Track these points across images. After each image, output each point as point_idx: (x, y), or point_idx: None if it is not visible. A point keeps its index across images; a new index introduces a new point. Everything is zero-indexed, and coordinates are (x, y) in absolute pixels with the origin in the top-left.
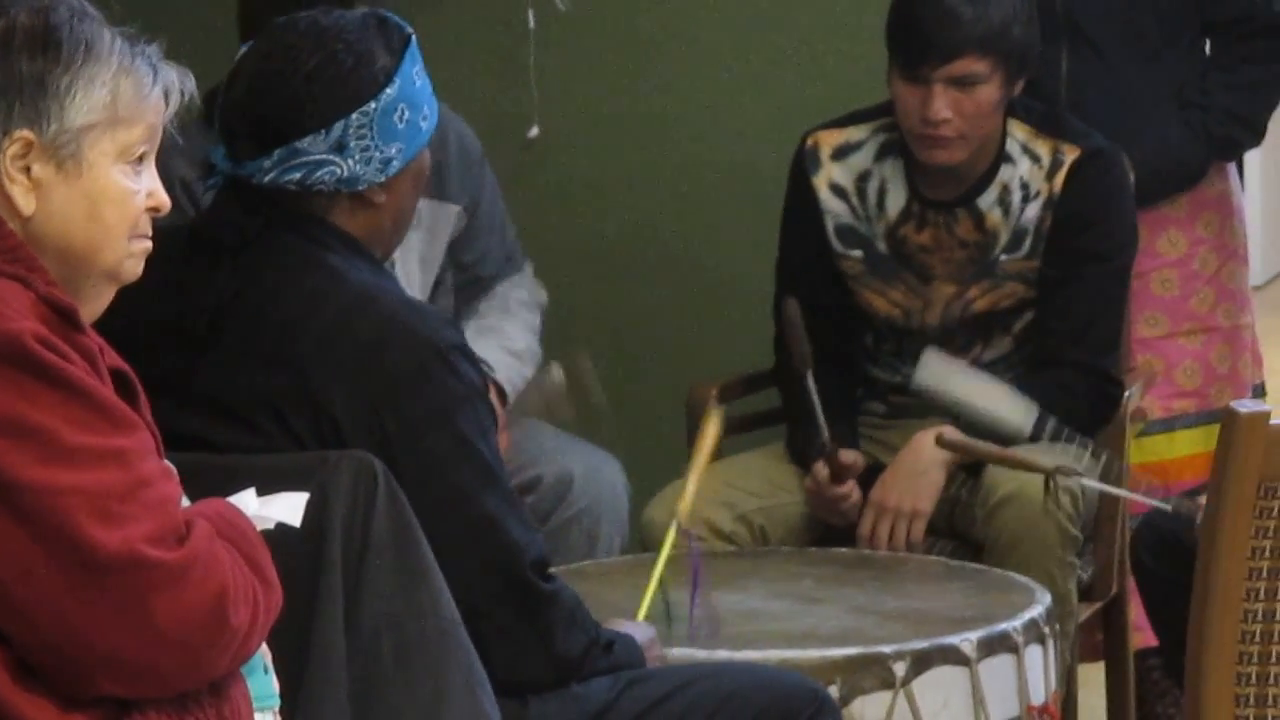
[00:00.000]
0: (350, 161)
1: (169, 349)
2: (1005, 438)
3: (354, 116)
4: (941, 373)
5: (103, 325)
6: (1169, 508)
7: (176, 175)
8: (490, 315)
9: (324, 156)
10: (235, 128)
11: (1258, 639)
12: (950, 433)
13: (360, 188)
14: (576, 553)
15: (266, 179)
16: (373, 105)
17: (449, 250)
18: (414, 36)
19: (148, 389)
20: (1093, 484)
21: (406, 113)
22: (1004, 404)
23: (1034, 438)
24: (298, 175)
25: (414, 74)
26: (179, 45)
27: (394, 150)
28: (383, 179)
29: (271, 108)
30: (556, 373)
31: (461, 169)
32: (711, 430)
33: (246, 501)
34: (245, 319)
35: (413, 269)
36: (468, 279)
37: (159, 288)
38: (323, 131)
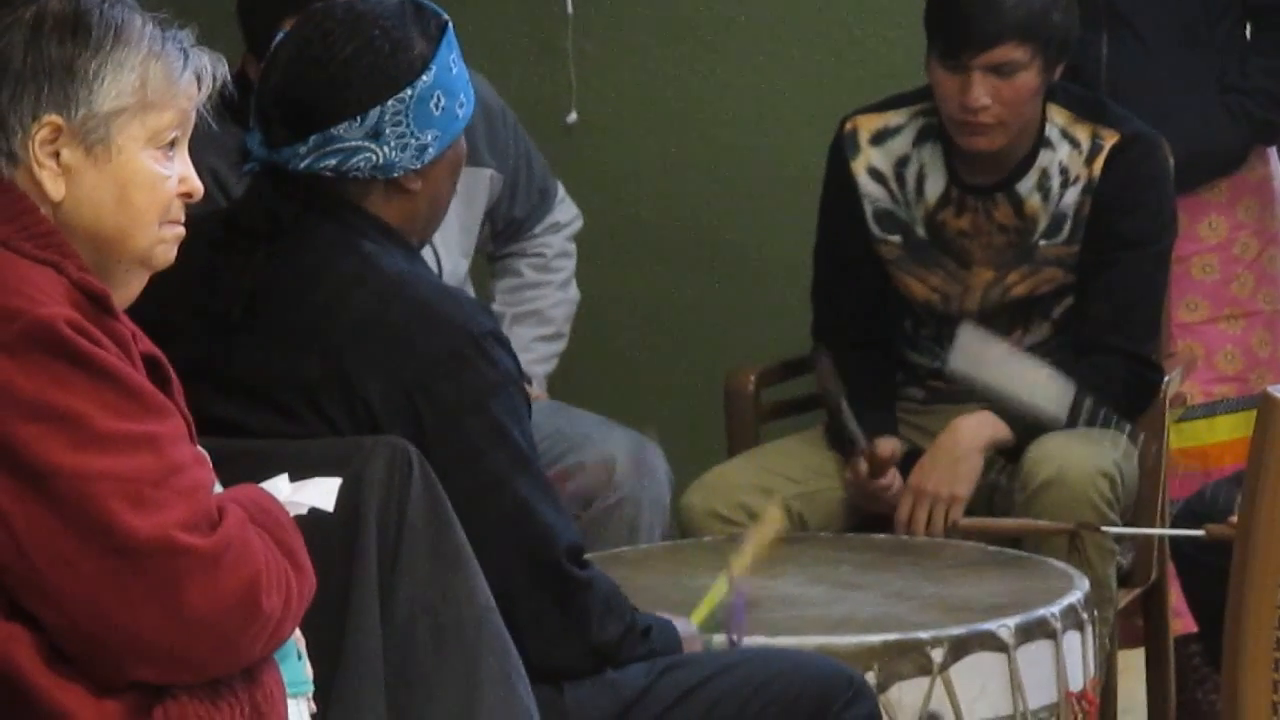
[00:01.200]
0: (386, 148)
1: (204, 334)
2: (1041, 421)
3: (390, 103)
4: (976, 356)
5: (137, 310)
6: (1204, 534)
7: (205, 164)
8: (527, 273)
9: (360, 143)
10: (271, 113)
11: None
12: (965, 521)
13: (396, 174)
14: (617, 539)
15: (302, 165)
16: (409, 92)
17: (490, 214)
18: (450, 23)
19: (182, 374)
20: (1119, 531)
21: (443, 100)
22: (1039, 388)
23: (1070, 421)
24: (333, 161)
25: (450, 61)
26: (211, 32)
27: (430, 137)
28: (418, 166)
29: (307, 93)
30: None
31: (488, 132)
32: (771, 524)
33: (279, 487)
34: (280, 305)
35: (451, 236)
36: (503, 224)
37: (194, 273)
38: (359, 118)
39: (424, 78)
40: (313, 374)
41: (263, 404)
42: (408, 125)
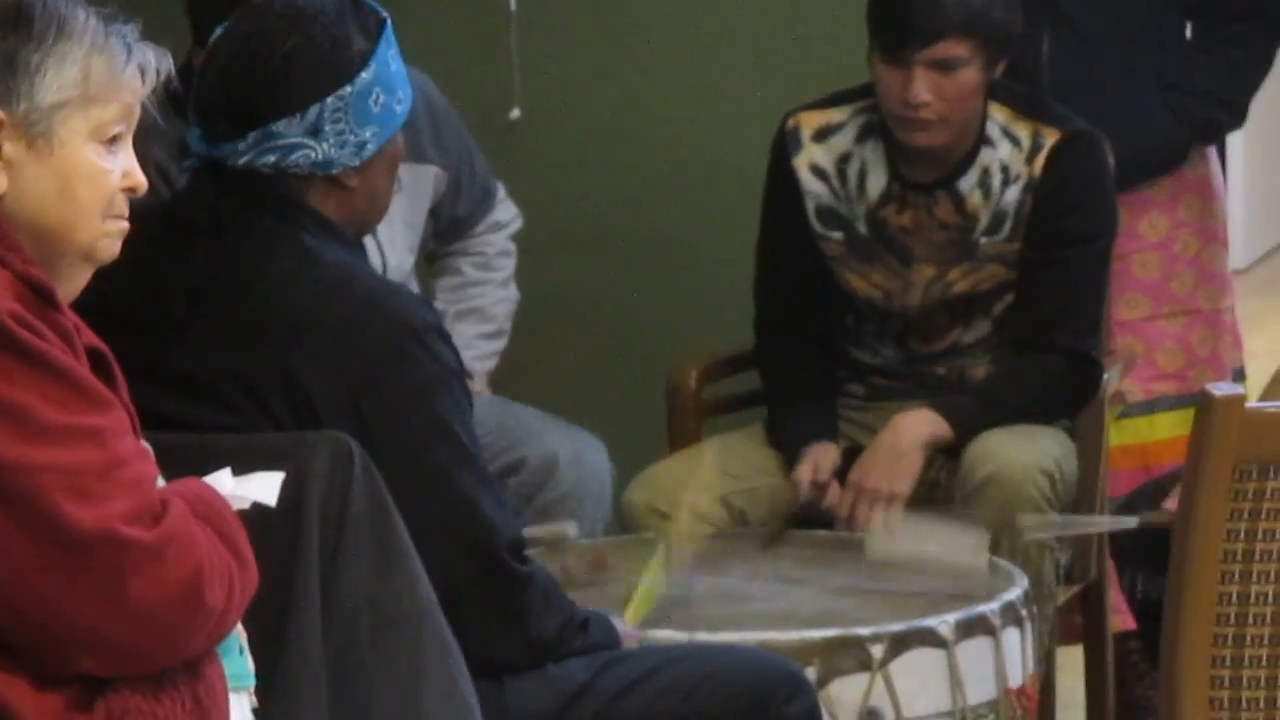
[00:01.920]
0: (325, 145)
1: (146, 330)
2: (963, 574)
3: (329, 100)
4: (886, 544)
5: (80, 305)
6: (1135, 523)
7: (151, 159)
8: (469, 272)
9: (299, 139)
10: (211, 109)
11: (1233, 621)
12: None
13: (335, 171)
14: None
15: (242, 161)
16: (348, 89)
17: (433, 212)
18: (389, 20)
19: (125, 370)
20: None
21: (381, 96)
22: (955, 544)
23: (990, 564)
24: (273, 158)
25: (389, 57)
26: (159, 24)
27: (369, 134)
28: (357, 162)
29: (247, 90)
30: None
31: (432, 129)
32: (708, 474)
33: (222, 481)
34: (221, 300)
35: (397, 231)
36: (445, 223)
37: (135, 269)
38: (298, 115)
39: (363, 75)
40: (255, 369)
41: (206, 399)
42: (347, 122)
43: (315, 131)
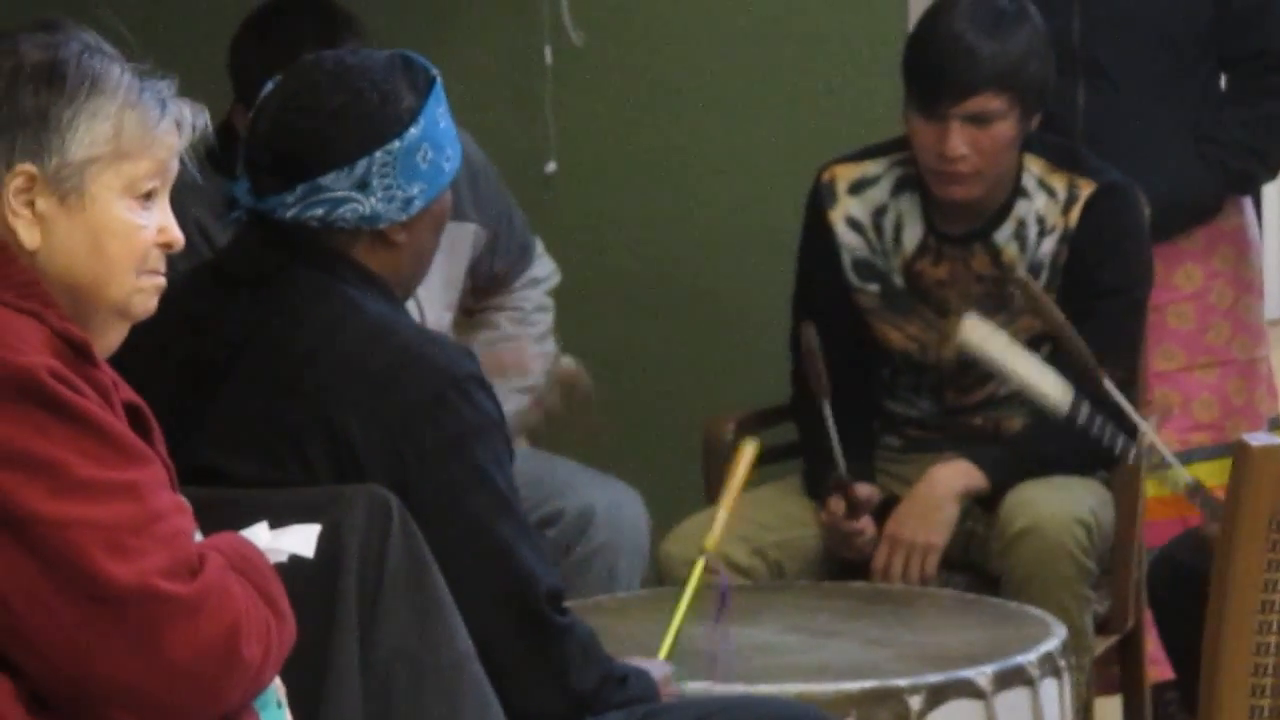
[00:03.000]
0: (373, 199)
1: (188, 382)
2: (1042, 409)
3: (378, 154)
4: (983, 334)
5: (121, 358)
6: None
7: (191, 215)
8: (505, 326)
9: (347, 194)
10: (259, 162)
11: (1270, 672)
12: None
13: (381, 225)
14: (596, 587)
15: (289, 215)
16: (397, 144)
17: (471, 269)
18: (439, 79)
19: (165, 422)
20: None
21: (429, 153)
22: (1044, 375)
23: (1070, 417)
24: (320, 211)
25: (438, 115)
26: (201, 81)
27: (416, 190)
28: (404, 218)
29: (296, 143)
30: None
31: (472, 187)
32: (744, 462)
33: (259, 534)
34: (262, 350)
35: (435, 290)
36: (483, 279)
37: (180, 320)
38: (346, 168)
39: (412, 130)
40: (296, 417)
41: (246, 449)
42: (395, 177)
43: (363, 186)
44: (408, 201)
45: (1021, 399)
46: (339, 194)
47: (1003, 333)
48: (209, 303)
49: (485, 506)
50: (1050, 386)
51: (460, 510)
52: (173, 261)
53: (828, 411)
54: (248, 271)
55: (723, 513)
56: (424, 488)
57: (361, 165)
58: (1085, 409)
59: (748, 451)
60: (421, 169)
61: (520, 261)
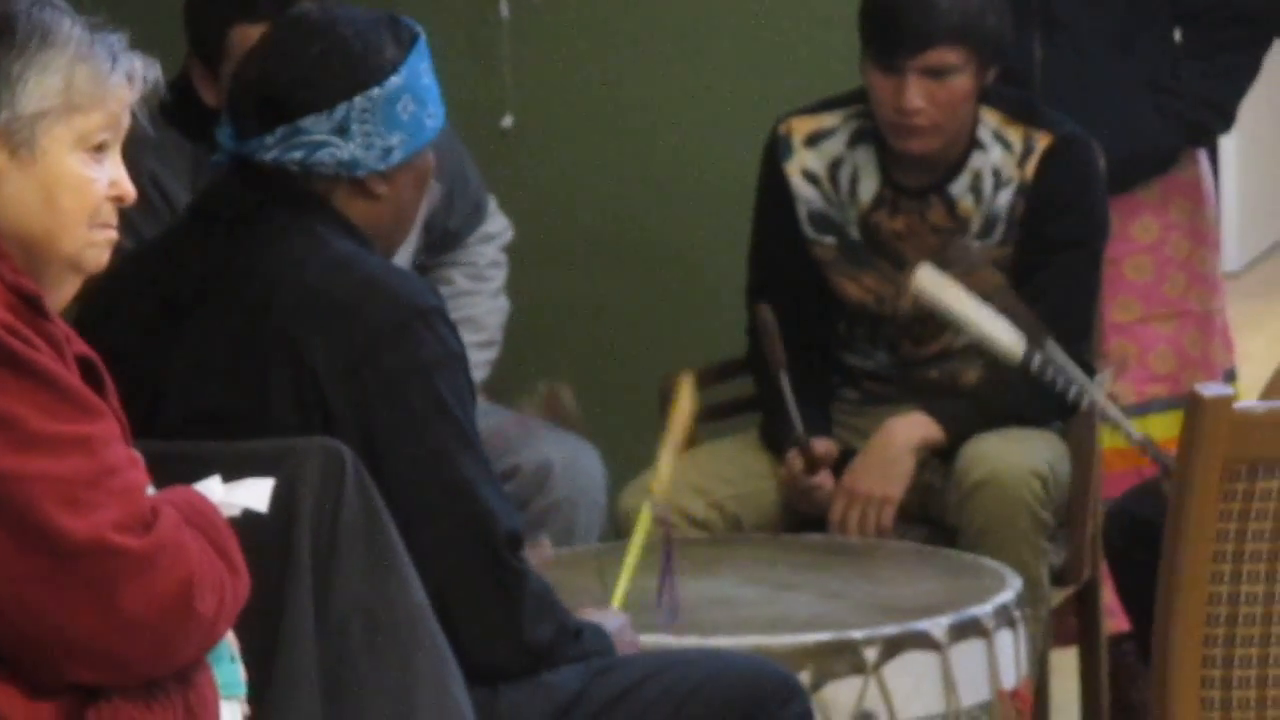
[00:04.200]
0: (352, 145)
1: (157, 314)
2: (996, 357)
3: (357, 100)
4: (938, 283)
5: (93, 293)
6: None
7: (146, 169)
8: (460, 282)
9: (326, 138)
10: (242, 105)
11: (1223, 621)
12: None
13: (360, 173)
14: (554, 541)
15: (269, 156)
16: (377, 91)
17: (426, 225)
18: (423, 37)
19: (133, 352)
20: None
21: (411, 105)
22: (998, 324)
23: (1024, 362)
24: (299, 155)
25: (421, 70)
26: (157, 34)
27: (395, 140)
28: (383, 168)
29: (277, 86)
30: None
31: None
32: (684, 404)
33: (212, 489)
34: (231, 281)
35: None
36: (437, 235)
37: (153, 256)
38: (326, 112)
39: (393, 79)
40: (260, 344)
41: (210, 376)
42: (374, 125)
43: (342, 130)
44: (387, 150)
45: (977, 350)
46: (318, 138)
47: (956, 283)
48: (185, 240)
49: (446, 437)
50: (1004, 335)
51: (421, 442)
52: (131, 219)
53: (786, 384)
54: (225, 211)
55: (667, 454)
56: (386, 415)
57: (341, 110)
58: (1039, 357)
59: (685, 387)
60: (402, 119)
61: (474, 217)
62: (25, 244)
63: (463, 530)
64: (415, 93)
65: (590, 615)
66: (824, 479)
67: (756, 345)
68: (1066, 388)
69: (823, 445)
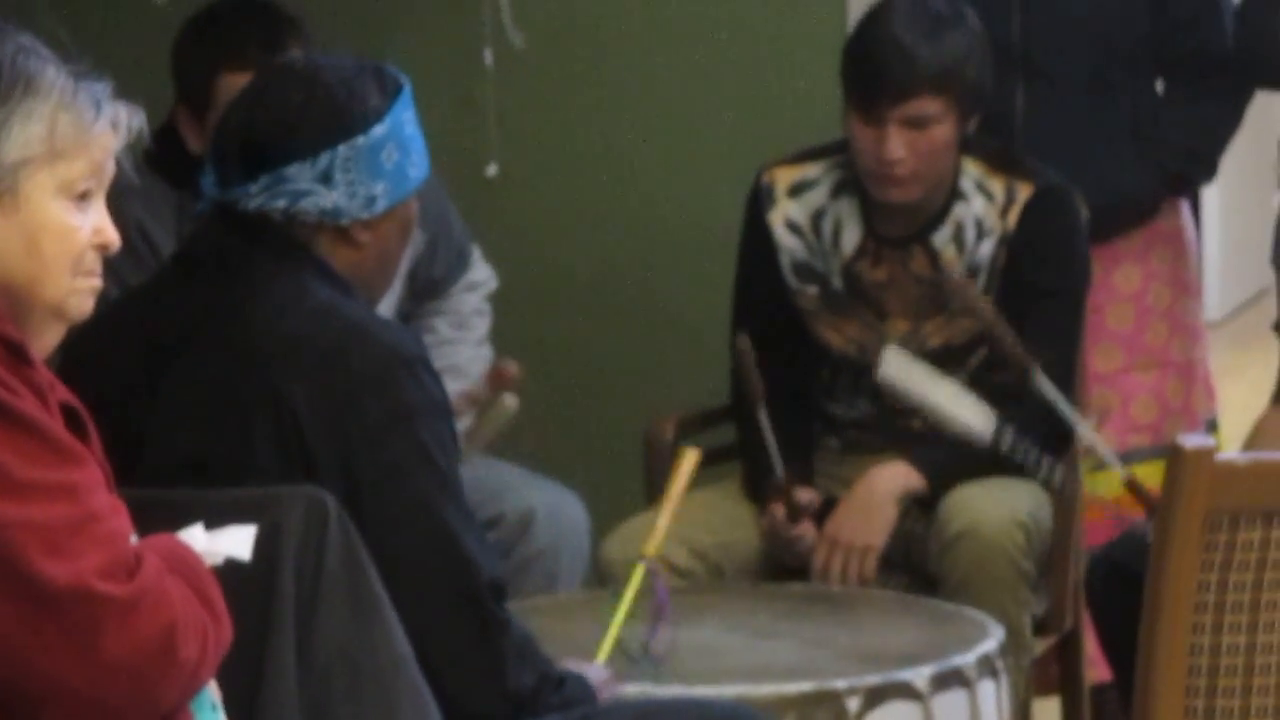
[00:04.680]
0: (335, 193)
1: (140, 361)
2: (964, 439)
3: (341, 148)
4: (905, 368)
5: (76, 340)
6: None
7: (131, 217)
8: (443, 330)
9: (310, 186)
10: (225, 152)
11: (1205, 672)
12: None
13: (343, 221)
14: (537, 589)
15: (252, 205)
16: (361, 139)
17: (412, 273)
18: (408, 87)
19: (116, 399)
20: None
21: (395, 154)
22: (965, 405)
23: (994, 444)
24: (283, 203)
25: (405, 119)
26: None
27: (379, 189)
28: (366, 216)
29: (262, 134)
30: (509, 401)
31: None
32: (684, 469)
33: (195, 536)
34: (214, 328)
35: None
36: (421, 284)
37: (139, 305)
38: (310, 160)
39: (377, 128)
40: (243, 390)
41: (192, 422)
42: (358, 173)
43: (326, 179)
44: (370, 199)
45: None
46: (302, 186)
47: (922, 363)
48: (168, 287)
49: (428, 486)
50: (972, 416)
51: (403, 489)
52: (116, 266)
53: (764, 417)
54: (209, 258)
55: (663, 520)
56: (367, 465)
57: (325, 158)
58: (1009, 435)
59: (688, 458)
60: (385, 168)
61: (458, 266)
62: (8, 291)
63: (444, 579)
64: (399, 141)
65: (573, 667)
66: (806, 528)
67: (738, 390)
68: (1037, 466)
69: (805, 494)
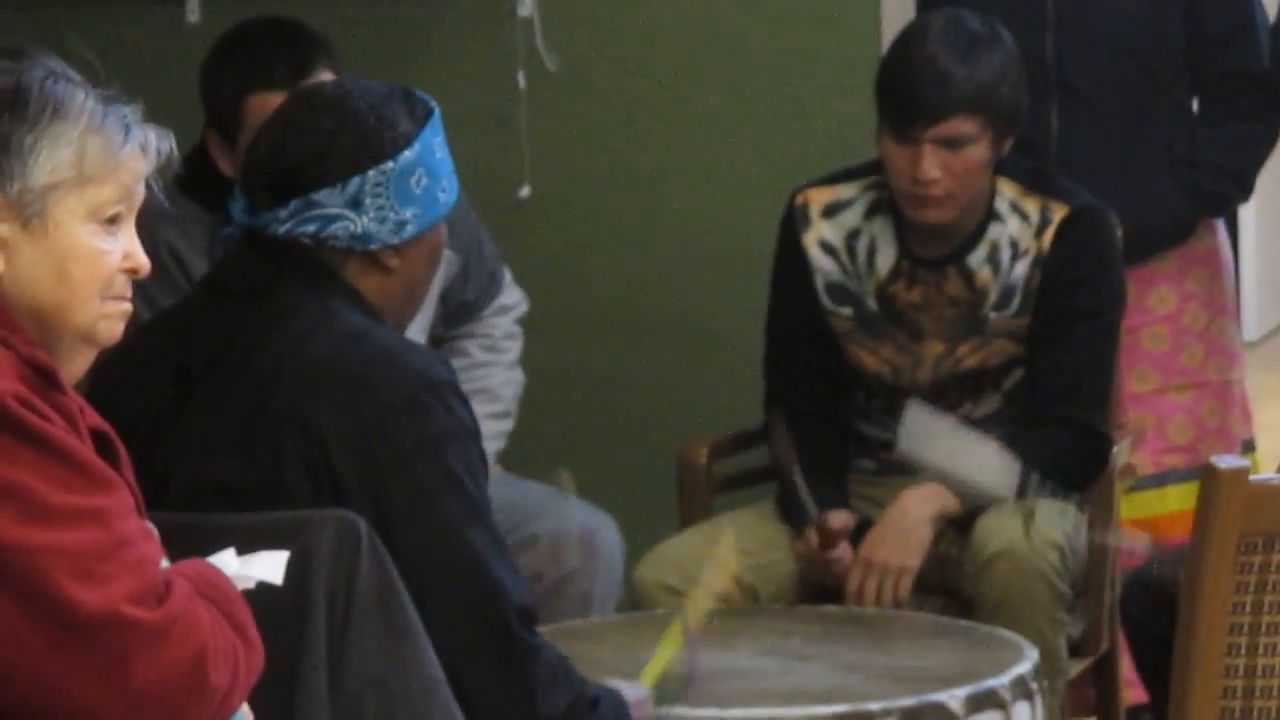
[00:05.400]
0: (365, 219)
1: (170, 387)
2: (989, 499)
3: (371, 173)
4: (923, 435)
5: (107, 365)
6: (1149, 555)
7: (163, 240)
8: (475, 353)
9: (339, 211)
10: (255, 178)
11: (1240, 694)
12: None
13: (373, 247)
14: (570, 612)
15: (282, 230)
16: (391, 165)
17: (443, 297)
18: (437, 111)
19: (146, 424)
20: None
21: (424, 179)
22: (986, 466)
23: (1019, 496)
24: (313, 228)
25: (435, 144)
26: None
27: (409, 214)
28: (396, 241)
29: (292, 159)
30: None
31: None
32: (726, 555)
33: (227, 561)
34: (242, 353)
35: None
36: (453, 306)
37: (168, 328)
38: (340, 185)
39: (406, 153)
40: (271, 415)
41: (221, 448)
42: (388, 198)
43: (356, 204)
44: (400, 225)
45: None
46: (332, 211)
47: (944, 420)
48: (197, 312)
49: (456, 512)
50: (993, 475)
51: (432, 515)
52: (149, 290)
53: (799, 478)
54: (238, 283)
55: (705, 590)
56: (396, 488)
57: (355, 183)
58: (1034, 485)
59: (728, 539)
60: (415, 193)
61: (490, 289)
62: (37, 316)
63: (473, 604)
64: (429, 167)
65: (611, 684)
66: (841, 552)
67: (774, 457)
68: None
69: (839, 519)
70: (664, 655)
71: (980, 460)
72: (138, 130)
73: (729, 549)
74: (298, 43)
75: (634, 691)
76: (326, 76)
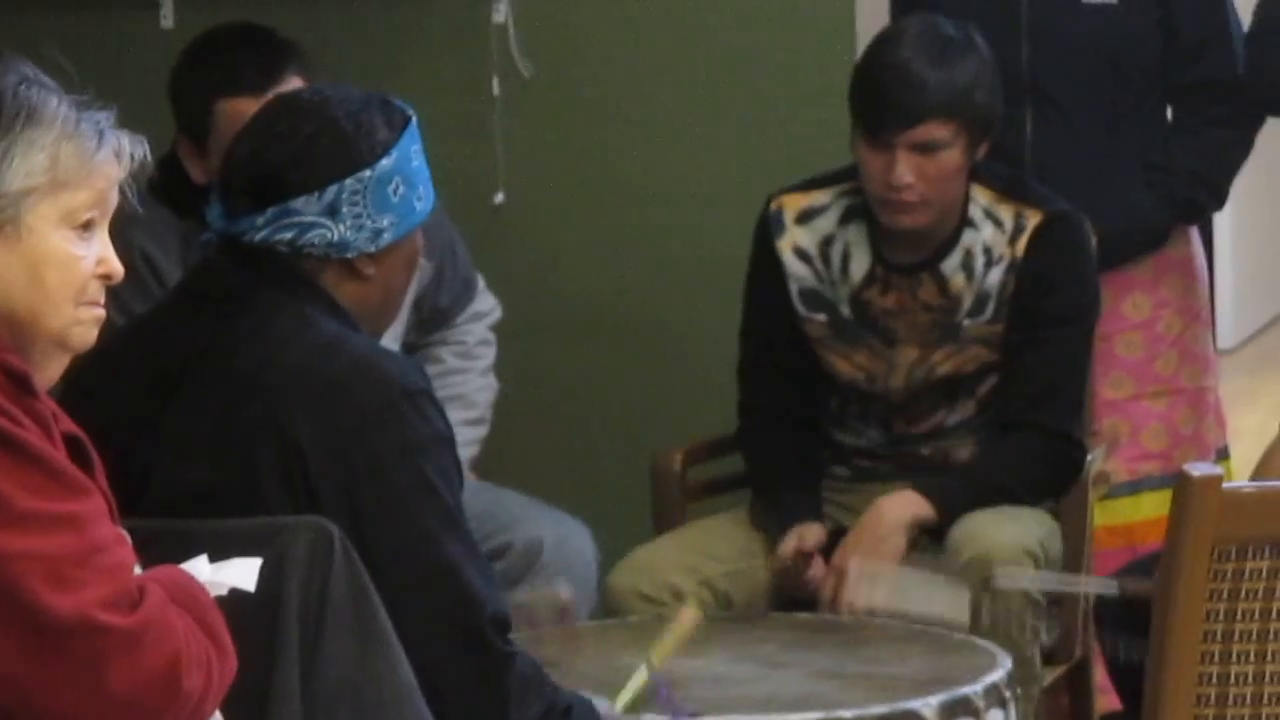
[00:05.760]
0: (342, 226)
1: (144, 393)
2: (945, 627)
3: (348, 181)
4: (869, 592)
5: (80, 370)
6: (1116, 592)
7: (137, 246)
8: (449, 360)
9: (316, 219)
10: (233, 185)
11: (1213, 701)
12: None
13: (350, 255)
14: (545, 620)
15: (258, 237)
16: (368, 173)
17: (416, 304)
18: (415, 119)
19: (120, 430)
20: (1040, 581)
21: (401, 188)
22: (941, 595)
23: (972, 622)
24: (289, 235)
25: (412, 152)
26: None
27: (386, 222)
28: (373, 249)
29: (269, 167)
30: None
31: None
32: (685, 624)
33: (200, 568)
34: (217, 360)
35: None
36: (427, 313)
37: (143, 337)
38: (317, 193)
39: (384, 161)
40: (247, 423)
41: (196, 454)
42: (365, 206)
43: (333, 212)
44: (377, 233)
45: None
46: (308, 219)
47: (891, 568)
48: (172, 318)
49: (431, 519)
50: (948, 607)
51: (407, 523)
52: (122, 296)
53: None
54: (214, 290)
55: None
56: (371, 498)
57: (332, 191)
58: (986, 615)
59: (691, 611)
60: (392, 201)
61: (463, 296)
62: (11, 322)
63: (447, 612)
64: (406, 175)
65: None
66: (815, 569)
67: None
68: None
69: (812, 535)
70: (633, 688)
71: (931, 590)
72: (111, 136)
73: (692, 614)
74: (267, 48)
75: (605, 706)
76: (297, 82)
